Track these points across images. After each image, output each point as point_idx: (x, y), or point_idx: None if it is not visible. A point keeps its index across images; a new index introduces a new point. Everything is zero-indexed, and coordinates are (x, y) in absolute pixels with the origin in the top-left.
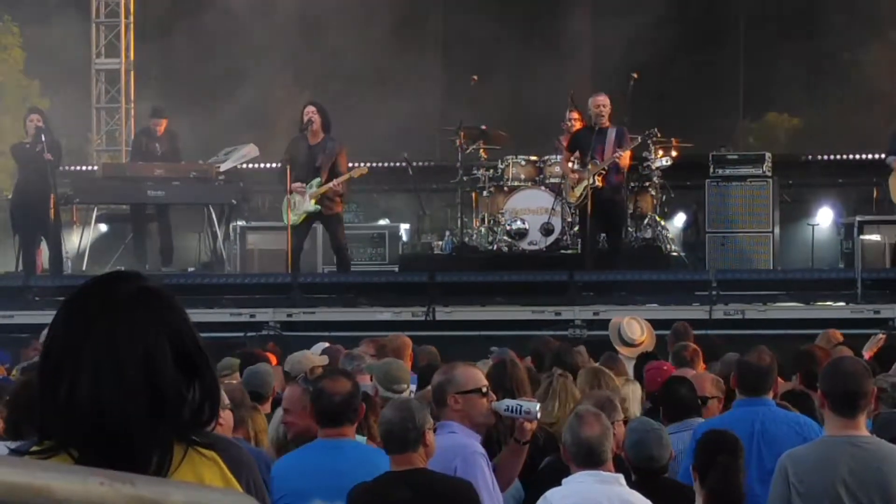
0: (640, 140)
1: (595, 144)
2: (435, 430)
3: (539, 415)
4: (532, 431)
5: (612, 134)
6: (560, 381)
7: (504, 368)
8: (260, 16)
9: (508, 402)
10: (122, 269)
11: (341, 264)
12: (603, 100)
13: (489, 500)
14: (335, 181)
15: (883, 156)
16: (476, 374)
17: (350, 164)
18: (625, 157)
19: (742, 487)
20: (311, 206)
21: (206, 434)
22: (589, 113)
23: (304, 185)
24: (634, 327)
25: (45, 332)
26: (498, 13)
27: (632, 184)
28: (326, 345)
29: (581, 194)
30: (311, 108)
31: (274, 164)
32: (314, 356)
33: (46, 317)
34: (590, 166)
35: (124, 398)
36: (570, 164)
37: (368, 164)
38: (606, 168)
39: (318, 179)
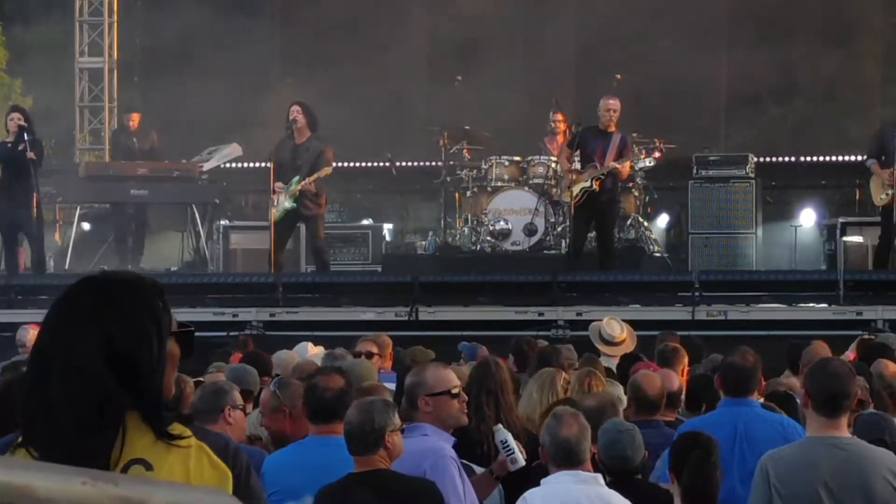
0: (644, 152)
1: (597, 146)
2: (403, 432)
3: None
4: (508, 473)
5: (615, 139)
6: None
7: (488, 369)
8: (241, 12)
9: (510, 439)
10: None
11: (319, 266)
12: (614, 103)
13: None
14: (306, 180)
15: (863, 157)
16: (447, 376)
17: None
18: (625, 167)
19: (717, 483)
20: (288, 203)
21: (192, 426)
22: (598, 112)
23: (284, 185)
24: (614, 326)
25: (21, 330)
26: (481, 13)
27: (618, 185)
28: (310, 344)
29: (578, 195)
30: (295, 108)
31: (257, 164)
32: (295, 354)
33: (28, 316)
34: (590, 170)
35: (74, 397)
36: (569, 163)
37: (354, 165)
38: (605, 174)
39: (297, 178)
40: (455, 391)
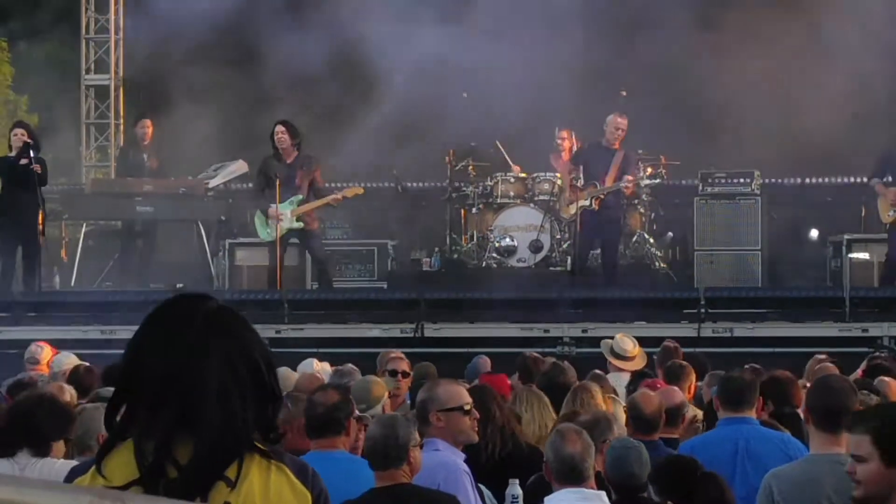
0: (650, 170)
1: (600, 163)
2: (421, 447)
3: None
4: None
5: (618, 156)
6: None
7: (485, 393)
8: (247, 28)
9: (519, 496)
10: (189, 291)
11: (323, 281)
12: (622, 122)
13: None
14: (332, 197)
15: (866, 179)
16: (459, 392)
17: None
18: (628, 189)
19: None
20: (293, 222)
21: (271, 447)
22: (605, 128)
23: (278, 205)
24: (626, 341)
25: (34, 347)
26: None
27: (622, 201)
28: (315, 360)
29: (574, 213)
30: (279, 128)
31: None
32: (291, 372)
33: (36, 333)
34: (590, 188)
35: (240, 416)
36: (571, 178)
37: (363, 185)
38: (604, 194)
39: (299, 196)
40: (467, 407)
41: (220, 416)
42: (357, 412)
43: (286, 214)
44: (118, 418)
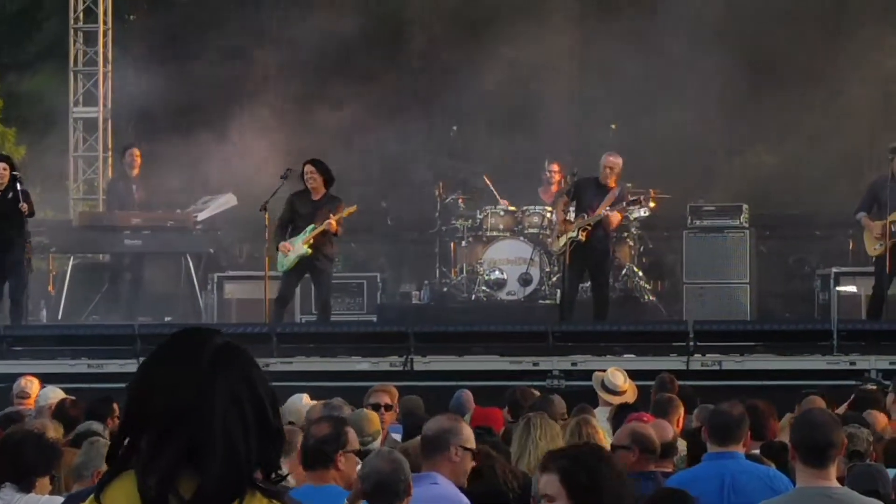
0: (638, 200)
1: (593, 199)
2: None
3: None
4: None
5: (612, 193)
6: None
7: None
8: (235, 59)
9: None
10: (197, 326)
11: (322, 320)
12: (615, 160)
13: None
14: (327, 222)
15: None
16: (473, 436)
17: None
18: (615, 216)
19: None
20: (303, 249)
21: (269, 483)
22: (600, 164)
23: (292, 241)
24: (618, 375)
25: (24, 381)
26: (480, 65)
27: (611, 234)
28: (306, 396)
29: (563, 245)
30: (310, 168)
31: (251, 213)
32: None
33: (23, 367)
34: (578, 220)
35: (243, 453)
36: (563, 212)
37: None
38: (592, 224)
39: (311, 226)
40: (474, 450)
41: (225, 453)
42: (357, 446)
43: (297, 243)
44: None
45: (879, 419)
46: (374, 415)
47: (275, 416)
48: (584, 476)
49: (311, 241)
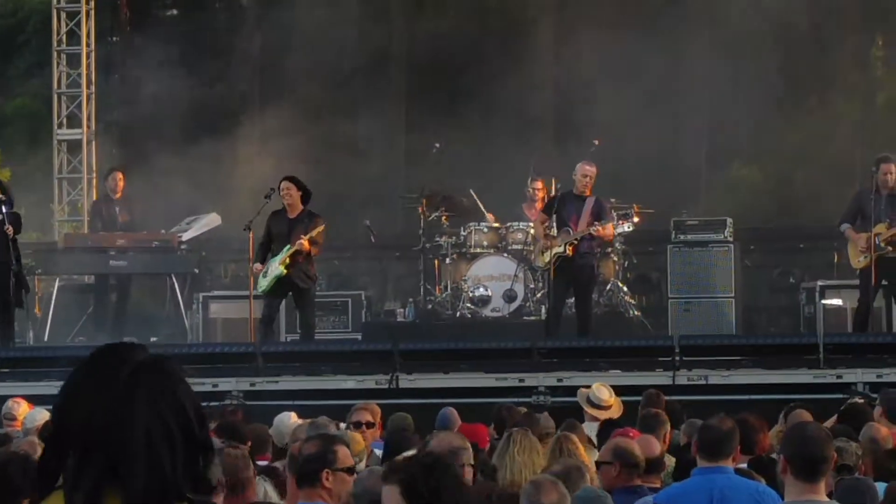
0: (625, 214)
1: (571, 211)
2: None
3: None
4: None
5: (589, 203)
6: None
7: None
8: (218, 81)
9: None
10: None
11: (306, 340)
12: (590, 169)
13: None
14: (298, 243)
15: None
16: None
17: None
18: (608, 229)
19: None
20: (279, 269)
21: (201, 498)
22: (574, 177)
23: (272, 259)
24: (603, 390)
25: (11, 403)
26: (460, 80)
27: (596, 249)
28: (293, 414)
29: (549, 261)
30: (286, 184)
31: (235, 233)
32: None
33: (11, 389)
34: (562, 234)
35: (168, 467)
36: (544, 228)
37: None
38: (578, 239)
39: (287, 247)
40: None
41: (147, 467)
42: (350, 463)
43: (274, 264)
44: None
45: (882, 431)
46: (357, 436)
47: (201, 430)
48: (423, 487)
49: (287, 261)
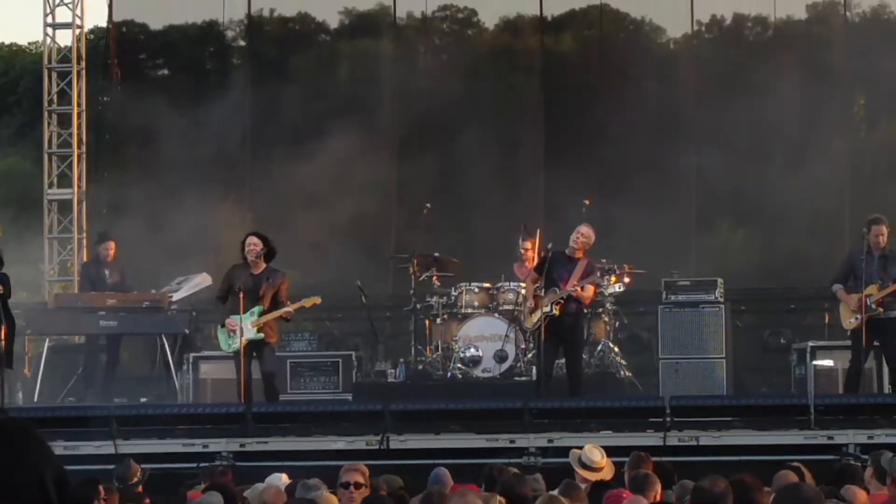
0: (612, 269)
1: (562, 272)
2: None
3: None
4: None
5: (581, 265)
6: None
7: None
8: (204, 142)
9: None
10: None
11: (270, 394)
12: (586, 232)
13: None
14: (287, 308)
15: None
16: None
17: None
18: (588, 290)
19: None
20: (253, 333)
21: None
22: (571, 237)
23: (237, 318)
24: (595, 452)
25: None
26: (449, 143)
27: (584, 309)
28: (284, 475)
29: (537, 321)
30: (252, 240)
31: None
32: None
33: None
34: (550, 294)
35: None
36: (534, 288)
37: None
38: (564, 298)
39: (259, 308)
40: None
41: None
42: None
43: (247, 326)
44: None
45: (858, 495)
46: (332, 497)
47: (59, 492)
48: None
49: (262, 325)
